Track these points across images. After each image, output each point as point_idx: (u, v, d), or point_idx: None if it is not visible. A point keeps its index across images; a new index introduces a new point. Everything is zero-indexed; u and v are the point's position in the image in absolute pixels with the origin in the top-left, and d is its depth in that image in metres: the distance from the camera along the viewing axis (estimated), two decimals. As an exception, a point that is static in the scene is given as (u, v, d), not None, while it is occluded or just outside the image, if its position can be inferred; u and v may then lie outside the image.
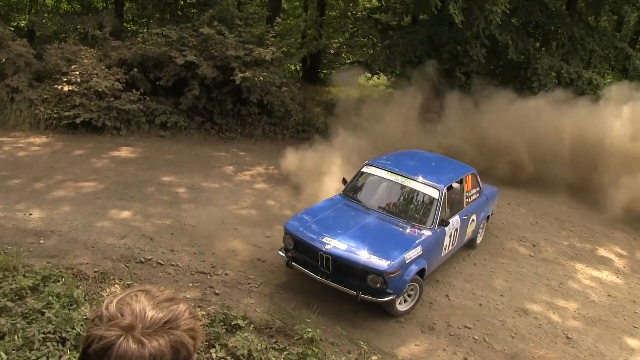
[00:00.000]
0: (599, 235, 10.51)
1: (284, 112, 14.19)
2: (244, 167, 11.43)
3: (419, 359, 6.04)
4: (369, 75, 16.07)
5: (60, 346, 4.88)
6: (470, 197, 8.23)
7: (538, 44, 16.11)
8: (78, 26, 15.16)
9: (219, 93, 13.61)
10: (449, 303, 7.19)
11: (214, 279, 6.96)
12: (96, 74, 12.79)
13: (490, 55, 14.43)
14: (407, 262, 6.43)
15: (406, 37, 14.35)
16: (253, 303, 6.52)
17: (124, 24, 16.94)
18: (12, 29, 15.15)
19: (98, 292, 6.27)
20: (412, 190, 7.52)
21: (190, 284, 6.80)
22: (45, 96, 12.63)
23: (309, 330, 5.86)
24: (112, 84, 12.70)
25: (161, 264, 7.17)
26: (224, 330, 5.75)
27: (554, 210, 11.42)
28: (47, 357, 4.71)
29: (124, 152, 11.76)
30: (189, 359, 1.37)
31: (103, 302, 1.39)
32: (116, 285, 6.42)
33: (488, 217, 9.16)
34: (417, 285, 6.76)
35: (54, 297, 5.62)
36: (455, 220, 7.56)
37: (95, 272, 6.70)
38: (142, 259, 7.21)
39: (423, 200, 7.42)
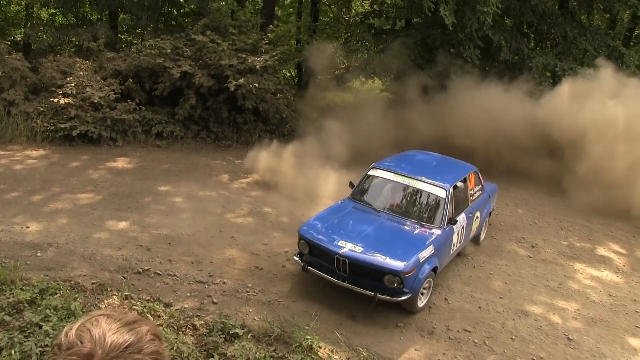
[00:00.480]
0: (597, 234, 10.48)
1: (280, 119, 14.19)
2: (240, 175, 11.42)
3: (419, 363, 6.02)
4: (364, 79, 16.11)
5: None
6: (474, 194, 8.44)
7: (532, 44, 16.13)
8: (73, 38, 15.16)
9: (214, 102, 13.63)
10: (448, 306, 7.16)
11: (211, 288, 6.93)
12: (91, 86, 12.81)
13: (485, 57, 14.43)
14: (421, 261, 6.62)
15: (400, 40, 14.36)
16: (251, 311, 6.50)
17: (119, 35, 16.93)
18: (8, 43, 15.16)
19: (96, 304, 6.24)
20: (419, 191, 7.69)
21: (188, 294, 6.78)
22: (41, 109, 12.64)
23: (308, 337, 5.83)
24: (108, 95, 12.72)
25: (159, 274, 7.14)
26: (222, 339, 5.72)
27: (553, 210, 11.41)
28: (45, 371, 4.69)
29: (121, 163, 11.75)
30: None
31: (63, 329, 1.36)
32: (114, 297, 6.39)
33: (490, 213, 9.33)
34: (430, 280, 6.97)
35: (52, 310, 5.59)
36: (462, 218, 7.73)
37: (92, 283, 6.66)
38: (140, 270, 7.19)
39: (431, 200, 7.59)
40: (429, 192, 7.60)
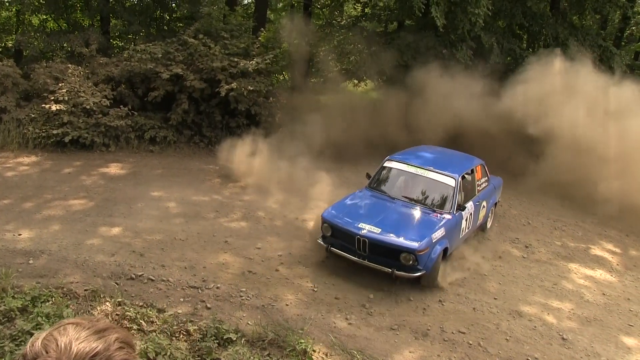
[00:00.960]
0: (591, 233, 10.52)
1: (272, 122, 14.17)
2: (233, 179, 11.37)
3: (414, 366, 6.01)
4: (356, 82, 16.17)
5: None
6: (480, 185, 9.24)
7: (525, 45, 16.19)
8: (65, 44, 15.13)
9: (207, 106, 13.62)
10: (442, 308, 7.15)
11: (205, 293, 6.90)
12: (84, 92, 12.79)
13: (477, 57, 14.47)
14: (433, 241, 7.37)
15: (392, 42, 14.40)
16: (245, 316, 6.46)
17: (111, 40, 16.91)
18: (0, 49, 15.13)
19: (89, 311, 6.20)
20: (431, 180, 8.42)
21: (182, 299, 6.74)
22: (33, 115, 12.60)
23: (302, 341, 5.81)
24: (100, 101, 12.69)
25: (152, 280, 7.10)
26: (216, 344, 5.69)
27: (546, 211, 11.45)
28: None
29: (113, 169, 11.72)
30: None
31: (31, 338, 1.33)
32: (107, 303, 6.35)
33: (495, 204, 10.08)
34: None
35: (44, 318, 5.55)
36: (470, 206, 8.52)
37: (85, 290, 6.62)
38: (133, 276, 7.14)
39: (441, 189, 8.32)
40: (440, 181, 8.35)
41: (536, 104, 11.88)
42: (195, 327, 6.01)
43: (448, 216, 7.93)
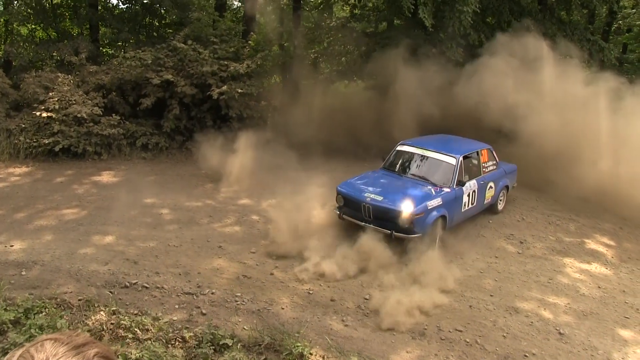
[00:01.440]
0: (585, 227, 10.52)
1: (264, 125, 14.15)
2: (226, 184, 11.32)
3: (411, 365, 5.99)
4: (347, 82, 16.20)
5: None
6: (487, 167, 10.16)
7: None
8: (54, 54, 15.09)
9: (198, 111, 13.59)
10: (439, 307, 7.13)
11: (200, 299, 6.87)
12: (74, 100, 12.74)
13: (467, 56, 14.48)
14: (429, 208, 8.53)
15: (382, 42, 14.41)
16: (241, 321, 6.43)
17: (101, 48, 16.85)
18: (-12, 60, 15.09)
19: (83, 321, 6.16)
20: (435, 160, 9.56)
21: (177, 306, 6.71)
22: (23, 125, 12.56)
23: (299, 345, 5.79)
24: (91, 110, 12.65)
25: (146, 287, 7.07)
26: (212, 350, 5.68)
27: (540, 206, 11.46)
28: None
29: (106, 177, 11.68)
30: None
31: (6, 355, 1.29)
32: (101, 312, 6.31)
33: (507, 187, 10.87)
34: (441, 228, 8.88)
35: (37, 330, 5.52)
36: (472, 184, 9.54)
37: (79, 300, 6.59)
38: (127, 284, 7.11)
39: (443, 167, 9.40)
40: (443, 161, 9.46)
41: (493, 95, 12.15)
42: (191, 334, 5.99)
43: (447, 189, 9.03)
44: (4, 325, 5.60)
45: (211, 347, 5.78)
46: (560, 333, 6.72)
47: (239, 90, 12.93)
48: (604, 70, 13.88)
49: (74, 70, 14.06)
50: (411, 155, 9.90)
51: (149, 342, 5.82)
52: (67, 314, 6.18)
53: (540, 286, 7.97)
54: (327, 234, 8.75)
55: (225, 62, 13.41)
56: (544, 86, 12.32)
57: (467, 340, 6.42)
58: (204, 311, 6.60)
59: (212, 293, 7.02)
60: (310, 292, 7.21)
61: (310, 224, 8.99)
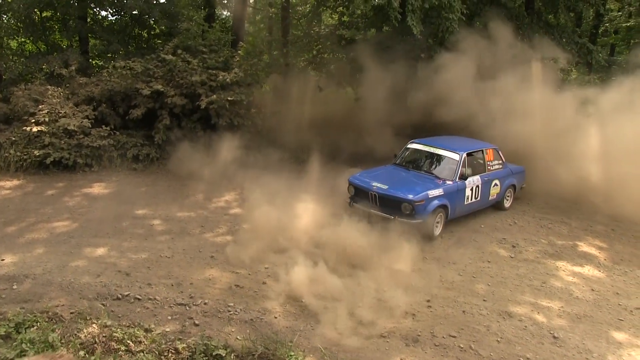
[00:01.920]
0: (577, 230, 10.57)
1: (255, 134, 14.13)
2: (218, 194, 11.32)
3: (406, 372, 5.97)
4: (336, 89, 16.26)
5: (34, 394, 4.73)
6: (492, 166, 10.93)
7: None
8: (44, 66, 15.04)
9: (188, 121, 13.56)
10: (432, 313, 7.13)
11: (193, 310, 6.83)
12: (64, 112, 12.71)
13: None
14: (430, 197, 9.47)
15: (371, 48, 14.48)
16: (234, 331, 6.41)
17: (90, 60, 16.82)
18: (-22, 74, 15.01)
19: (75, 334, 6.11)
20: (441, 156, 10.56)
21: (169, 317, 6.67)
22: (14, 138, 12.49)
23: (292, 354, 5.78)
24: (81, 121, 12.61)
25: (139, 299, 7.03)
26: (205, 361, 5.64)
27: (532, 209, 11.53)
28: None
29: (97, 188, 11.63)
30: None
31: None
32: (94, 325, 6.25)
33: (514, 186, 11.56)
34: (442, 218, 9.82)
35: (28, 344, 5.48)
36: (475, 179, 10.39)
37: (71, 313, 6.54)
38: (119, 296, 7.07)
39: (448, 162, 10.37)
40: (448, 157, 10.43)
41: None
42: (184, 345, 5.95)
43: (450, 182, 9.97)
44: (-6, 341, 5.55)
45: (204, 358, 5.75)
46: (554, 337, 6.73)
47: (229, 99, 12.94)
48: (593, 72, 13.99)
49: (64, 83, 14.02)
50: (419, 152, 10.93)
51: (142, 354, 5.79)
52: (59, 328, 6.13)
53: (534, 290, 7.97)
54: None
55: (214, 72, 13.41)
56: (513, 90, 12.77)
57: (461, 345, 6.41)
58: (196, 322, 6.56)
59: (205, 303, 6.99)
60: (303, 300, 7.18)
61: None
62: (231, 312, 6.80)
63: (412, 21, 12.64)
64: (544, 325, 6.98)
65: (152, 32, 17.86)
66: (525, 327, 6.93)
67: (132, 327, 6.25)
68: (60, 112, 12.72)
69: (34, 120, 12.45)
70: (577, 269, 8.84)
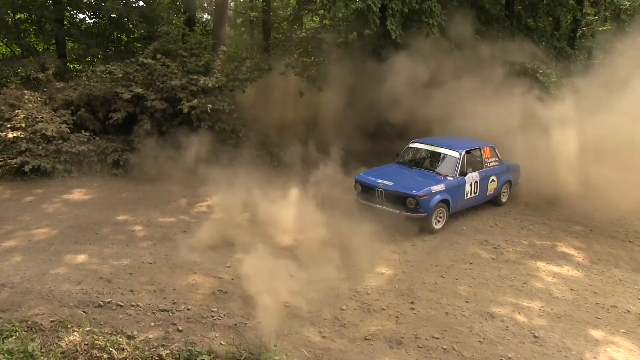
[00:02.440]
0: (557, 231, 10.69)
1: (236, 139, 14.09)
2: (200, 199, 11.27)
3: (390, 375, 6.00)
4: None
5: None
6: (489, 163, 11.46)
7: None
8: (19, 70, 14.86)
9: (169, 126, 13.47)
10: (416, 315, 7.17)
11: (176, 316, 6.79)
12: (42, 118, 12.55)
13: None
14: (433, 192, 10.06)
15: (352, 52, 14.55)
16: (217, 336, 6.38)
17: (68, 64, 16.65)
18: (-49, 79, 14.79)
19: (56, 343, 6.05)
20: (441, 154, 11.11)
21: (152, 323, 6.62)
22: (-11, 144, 12.30)
23: (276, 358, 5.78)
24: (60, 127, 12.46)
25: (121, 306, 6.97)
26: (189, 367, 5.61)
27: (512, 210, 11.66)
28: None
29: (77, 195, 11.52)
30: None
31: None
32: (75, 333, 6.20)
33: (510, 182, 12.11)
34: (444, 212, 10.35)
35: (6, 355, 5.42)
36: (474, 175, 10.95)
37: (52, 321, 6.48)
38: (101, 303, 7.00)
39: (448, 160, 10.93)
40: (448, 155, 10.98)
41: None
42: (168, 351, 5.93)
43: (450, 178, 10.52)
44: (-28, 351, 5.47)
45: (188, 364, 5.73)
46: (535, 336, 6.80)
47: (210, 106, 12.90)
48: (571, 75, 14.21)
49: (41, 87, 13.88)
50: (421, 150, 11.51)
51: (125, 361, 5.75)
52: (39, 337, 6.08)
53: (515, 290, 8.06)
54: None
55: (196, 76, 13.35)
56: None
57: (444, 347, 6.46)
58: (180, 328, 6.53)
59: (188, 309, 6.95)
60: (287, 304, 7.17)
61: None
62: (215, 318, 6.78)
63: (391, 25, 12.75)
64: (525, 325, 7.06)
65: (132, 36, 17.78)
66: (507, 327, 7.00)
67: (114, 335, 6.21)
68: (38, 117, 12.58)
69: (9, 126, 12.29)
70: (557, 269, 8.95)
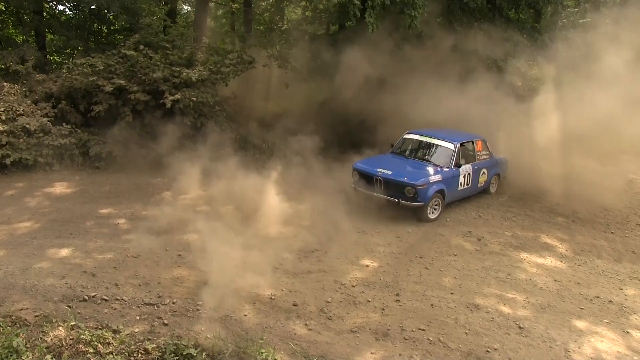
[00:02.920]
0: (540, 222, 10.81)
1: (219, 132, 14.00)
2: (183, 191, 11.18)
3: (377, 366, 6.03)
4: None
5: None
6: (480, 155, 11.78)
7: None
8: (-2, 62, 14.60)
9: (152, 118, 13.35)
10: (401, 307, 7.20)
11: (161, 309, 6.76)
12: (22, 111, 12.37)
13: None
14: (430, 182, 10.33)
15: (335, 44, 14.52)
16: (204, 329, 6.35)
17: (48, 56, 16.40)
18: None
19: (41, 338, 6.00)
20: (437, 146, 11.38)
21: (138, 317, 6.58)
22: (-32, 138, 12.08)
23: (263, 351, 5.78)
24: (41, 121, 12.28)
25: (106, 300, 6.91)
26: (176, 361, 5.60)
27: (495, 202, 11.76)
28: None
29: (59, 188, 11.39)
30: None
31: None
32: (60, 328, 6.14)
33: (499, 175, 12.47)
34: (440, 202, 10.61)
35: (-9, 350, 5.34)
36: (467, 167, 11.28)
37: (36, 316, 6.41)
38: (86, 297, 6.94)
39: (444, 151, 11.18)
40: (443, 146, 11.26)
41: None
42: (154, 345, 5.91)
43: (446, 169, 10.80)
44: (-45, 348, 5.39)
45: (175, 358, 5.72)
46: (520, 327, 6.88)
47: (194, 99, 12.80)
48: (551, 68, 14.30)
49: (21, 79, 13.63)
50: (416, 141, 11.72)
51: (111, 356, 5.72)
52: (23, 332, 6.01)
53: (499, 282, 8.14)
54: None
55: (178, 69, 13.23)
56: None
57: (430, 338, 6.50)
58: (165, 321, 6.50)
59: (174, 303, 6.92)
60: (273, 297, 7.18)
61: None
62: (200, 311, 6.75)
63: (369, 18, 12.72)
64: (509, 316, 7.13)
65: (112, 28, 17.56)
66: (492, 318, 7.06)
67: (99, 329, 6.16)
68: (19, 110, 12.39)
69: (-11, 119, 12.08)
70: (540, 260, 9.05)
